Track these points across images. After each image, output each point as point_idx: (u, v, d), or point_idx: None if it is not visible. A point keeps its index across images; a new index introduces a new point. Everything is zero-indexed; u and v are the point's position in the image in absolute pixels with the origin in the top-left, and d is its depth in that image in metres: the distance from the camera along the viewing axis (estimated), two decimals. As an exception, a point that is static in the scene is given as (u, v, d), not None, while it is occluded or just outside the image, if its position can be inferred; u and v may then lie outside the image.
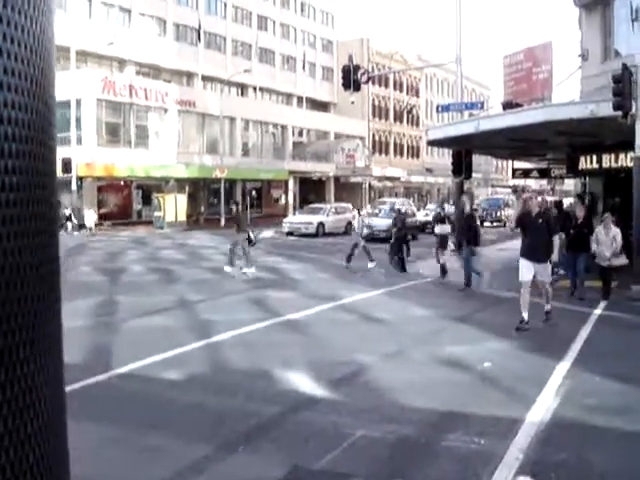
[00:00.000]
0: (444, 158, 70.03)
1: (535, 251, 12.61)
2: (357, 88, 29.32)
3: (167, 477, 5.86)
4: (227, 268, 21.12)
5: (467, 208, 19.32)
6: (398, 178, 76.91)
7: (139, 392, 8.44)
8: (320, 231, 39.99)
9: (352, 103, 60.43)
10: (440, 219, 21.34)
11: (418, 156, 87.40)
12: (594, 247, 15.78)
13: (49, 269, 1.03)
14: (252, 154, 58.99)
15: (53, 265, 1.05)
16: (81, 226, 40.08)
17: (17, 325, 0.92)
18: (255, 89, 63.76)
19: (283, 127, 63.35)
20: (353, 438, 6.78)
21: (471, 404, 7.98)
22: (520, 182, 70.73)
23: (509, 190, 77.08)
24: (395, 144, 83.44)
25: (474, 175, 30.76)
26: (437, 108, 38.49)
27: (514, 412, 7.64)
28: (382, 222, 34.28)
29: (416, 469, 6.19)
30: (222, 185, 50.25)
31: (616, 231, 15.82)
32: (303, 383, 8.81)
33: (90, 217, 41.38)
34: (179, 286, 18.36)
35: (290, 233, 39.75)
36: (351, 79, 28.38)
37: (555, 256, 12.95)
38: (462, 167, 25.65)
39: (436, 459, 6.44)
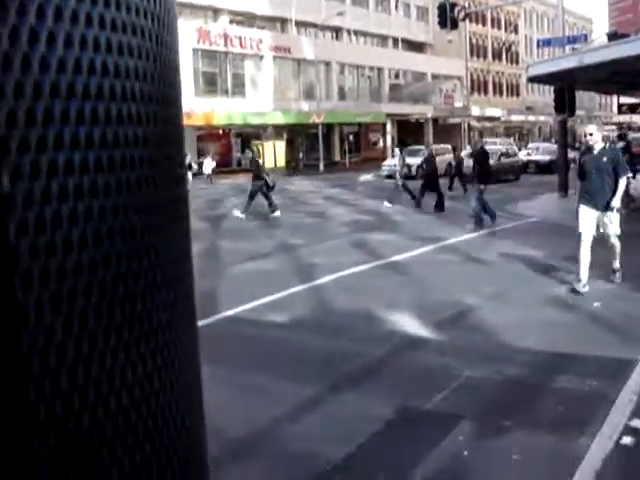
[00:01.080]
0: (545, 96, 68.21)
1: (597, 196, 10.41)
2: (454, 26, 28.71)
3: (275, 416, 5.96)
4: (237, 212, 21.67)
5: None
6: (498, 118, 75.23)
7: (246, 334, 8.59)
8: (419, 173, 39.57)
9: (449, 42, 59.02)
10: None
11: (518, 94, 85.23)
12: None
13: (180, 212, 1.00)
14: (349, 98, 58.63)
15: (184, 207, 1.02)
16: (195, 174, 40.26)
17: (154, 272, 0.90)
18: (349, 32, 63.02)
19: (379, 70, 62.64)
20: (460, 379, 6.73)
21: (580, 345, 7.80)
22: (626, 118, 68.27)
23: (614, 127, 74.57)
24: (494, 83, 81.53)
25: (577, 112, 29.78)
26: (537, 43, 37.40)
27: (626, 354, 7.42)
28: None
29: (525, 411, 6.11)
30: (320, 130, 50.22)
31: None
32: (408, 324, 8.80)
33: (208, 165, 41.47)
34: (280, 231, 18.52)
35: (389, 176, 39.48)
36: (447, 17, 27.77)
37: (617, 201, 10.37)
38: (565, 104, 24.87)
39: (545, 401, 6.34)
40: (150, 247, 0.87)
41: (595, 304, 9.56)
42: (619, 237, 10.57)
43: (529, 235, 16.81)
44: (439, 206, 22.02)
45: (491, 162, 22.31)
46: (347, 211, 23.35)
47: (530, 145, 53.34)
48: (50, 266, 0.71)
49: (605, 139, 12.05)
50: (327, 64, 55.77)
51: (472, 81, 76.40)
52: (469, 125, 71.16)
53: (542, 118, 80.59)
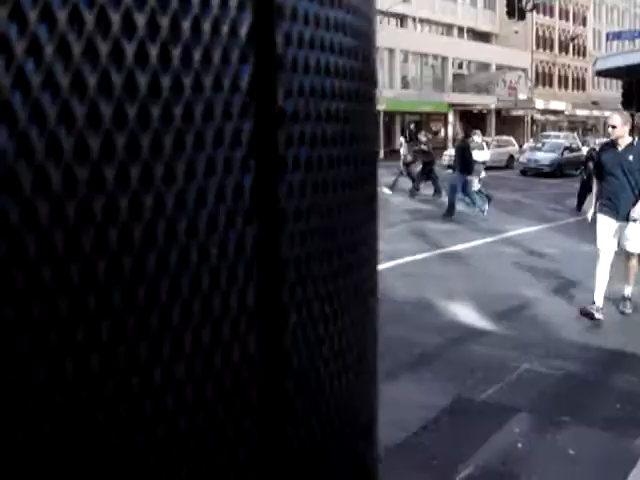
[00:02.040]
0: (612, 90, 66.92)
1: (618, 203, 8.61)
2: (521, 16, 28.36)
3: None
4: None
5: None
6: (562, 111, 74.09)
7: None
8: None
9: (516, 33, 58.47)
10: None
11: (584, 88, 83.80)
12: None
13: (373, 189, 1.04)
14: (411, 87, 58.30)
15: (375, 185, 1.06)
16: None
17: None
18: (414, 20, 62.53)
19: (443, 59, 62.14)
20: (518, 372, 6.71)
21: (640, 343, 7.72)
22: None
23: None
24: (559, 76, 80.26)
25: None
26: (607, 36, 36.77)
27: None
28: (546, 156, 33.38)
29: (582, 407, 6.07)
30: (381, 118, 50.04)
31: None
32: (466, 315, 8.78)
33: None
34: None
35: (449, 166, 39.29)
36: (515, 7, 27.44)
37: (638, 212, 8.42)
38: (633, 99, 24.44)
39: (603, 398, 6.29)
40: (355, 222, 0.92)
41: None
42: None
43: (591, 230, 16.55)
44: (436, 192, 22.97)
45: (554, 155, 22.06)
46: (406, 199, 23.28)
47: (596, 141, 52.47)
48: (308, 227, 0.78)
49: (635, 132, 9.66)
50: (391, 51, 55.50)
51: (537, 73, 75.33)
52: (532, 118, 70.26)
53: (607, 113, 79.15)
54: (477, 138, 22.70)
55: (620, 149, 8.54)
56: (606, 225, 8.76)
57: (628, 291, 8.97)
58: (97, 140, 0.56)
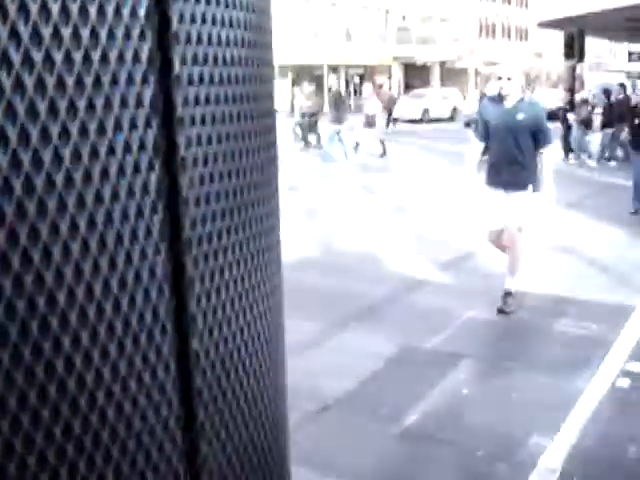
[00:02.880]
0: (554, 41, 67.32)
1: (503, 170, 6.94)
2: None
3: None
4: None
5: None
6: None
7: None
8: (425, 117, 39.56)
9: (459, -16, 58.11)
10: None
11: (526, 40, 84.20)
12: None
13: (269, 154, 1.10)
14: (354, 39, 57.93)
15: (272, 150, 1.13)
16: None
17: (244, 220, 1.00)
18: (357, -28, 62.09)
19: (386, 11, 61.76)
20: (462, 320, 6.86)
21: (583, 290, 7.91)
22: (636, 67, 67.49)
23: (623, 75, 73.82)
24: (502, 27, 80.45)
25: (586, 59, 29.48)
26: (549, -13, 36.78)
27: (626, 299, 7.54)
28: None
29: (525, 352, 6.24)
30: (325, 71, 49.71)
31: None
32: (412, 265, 8.90)
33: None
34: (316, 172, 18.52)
35: (394, 119, 39.35)
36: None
37: (542, 182, 6.97)
38: (574, 50, 24.63)
39: (547, 343, 6.47)
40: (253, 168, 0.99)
41: (598, 251, 9.65)
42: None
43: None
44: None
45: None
46: (352, 153, 23.24)
47: (537, 90, 52.87)
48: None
49: (526, 87, 7.62)
50: (333, 4, 54.99)
51: (480, 25, 75.39)
52: (476, 70, 70.46)
53: (550, 64, 79.74)
54: (365, 90, 22.97)
55: (508, 106, 6.87)
56: (493, 197, 7.12)
57: (510, 284, 7.22)
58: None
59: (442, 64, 65.52)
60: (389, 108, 30.85)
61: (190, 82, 0.82)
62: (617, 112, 18.60)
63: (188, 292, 0.85)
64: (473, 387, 5.48)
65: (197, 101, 0.83)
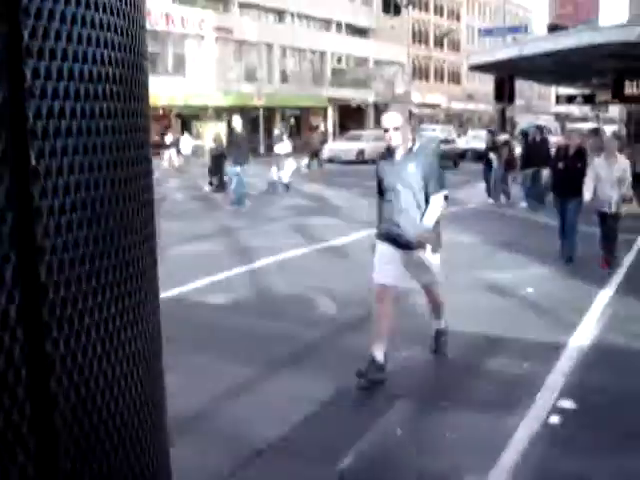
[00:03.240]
0: (485, 84, 68.86)
1: (401, 228, 6.40)
2: (397, 12, 28.88)
3: (216, 395, 6.02)
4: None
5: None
6: (438, 105, 75.92)
7: (185, 315, 8.59)
8: (360, 158, 40.00)
9: (392, 28, 59.32)
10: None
11: (459, 82, 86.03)
12: (589, 187, 11.08)
13: (145, 197, 1.09)
14: (291, 82, 58.46)
15: (149, 192, 1.12)
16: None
17: (117, 254, 0.99)
18: (292, 15, 62.73)
19: (322, 54, 62.55)
20: (397, 360, 6.87)
21: (514, 329, 8.02)
22: (564, 108, 69.33)
23: (552, 117, 75.81)
24: (435, 70, 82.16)
25: (516, 101, 30.23)
26: (479, 32, 37.82)
27: (557, 337, 7.67)
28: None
29: (459, 392, 6.28)
30: (261, 113, 50.03)
31: (624, 164, 11.28)
32: (346, 307, 8.91)
33: (187, 143, 39.85)
34: (220, 213, 18.48)
35: (330, 160, 39.69)
36: (391, 3, 27.91)
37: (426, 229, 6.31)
38: (504, 93, 25.28)
39: (479, 382, 6.52)
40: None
41: (529, 290, 9.80)
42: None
43: (467, 221, 17.08)
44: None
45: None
46: (287, 194, 23.36)
47: (469, 133, 53.90)
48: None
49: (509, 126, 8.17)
50: (269, 46, 55.52)
51: (414, 67, 76.88)
52: (410, 111, 71.54)
53: (482, 106, 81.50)
54: (277, 131, 23.33)
55: (398, 158, 6.47)
56: (384, 254, 6.54)
57: (439, 325, 7.20)
58: None
59: (377, 106, 66.48)
60: (317, 149, 31.32)
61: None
62: (534, 154, 19.08)
63: (41, 299, 0.84)
64: (407, 427, 5.47)
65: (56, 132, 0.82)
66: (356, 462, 4.92)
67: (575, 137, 12.62)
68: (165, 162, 35.22)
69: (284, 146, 22.98)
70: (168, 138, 36.78)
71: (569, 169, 11.75)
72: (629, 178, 11.24)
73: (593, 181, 11.11)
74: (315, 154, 30.76)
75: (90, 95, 0.87)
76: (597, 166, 11.27)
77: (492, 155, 20.96)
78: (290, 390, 6.25)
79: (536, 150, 19.11)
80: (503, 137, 22.34)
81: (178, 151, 37.06)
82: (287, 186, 22.50)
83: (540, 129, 21.05)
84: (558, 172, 12.19)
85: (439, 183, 6.36)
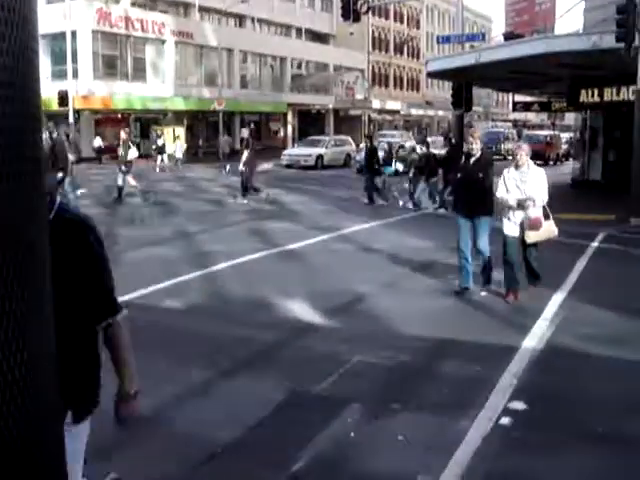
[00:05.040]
0: (444, 91, 69.43)
1: None
2: (356, 19, 28.90)
3: (169, 399, 6.01)
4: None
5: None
6: (398, 111, 76.29)
7: (140, 320, 8.49)
8: (319, 163, 40.06)
9: (351, 34, 59.48)
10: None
11: (418, 89, 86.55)
12: (501, 197, 9.42)
13: (37, 209, 1.09)
14: (251, 86, 58.37)
15: (41, 204, 1.12)
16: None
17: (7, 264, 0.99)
18: (253, 20, 62.64)
19: (282, 59, 62.56)
20: (350, 364, 6.91)
21: (467, 332, 8.10)
22: (521, 115, 70.13)
23: (509, 124, 76.63)
24: (395, 77, 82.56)
25: (474, 108, 30.53)
26: (437, 39, 38.11)
27: (509, 340, 7.77)
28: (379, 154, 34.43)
29: (412, 394, 6.32)
30: (220, 118, 49.87)
31: (538, 173, 9.40)
32: (301, 311, 8.93)
33: (180, 148, 39.69)
34: (178, 218, 18.40)
35: (289, 165, 39.74)
36: (350, 9, 27.97)
37: None
38: (462, 100, 25.51)
39: (432, 385, 6.58)
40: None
41: (482, 293, 9.90)
42: None
43: (419, 227, 17.21)
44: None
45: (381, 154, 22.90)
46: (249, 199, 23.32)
47: (428, 139, 54.13)
48: None
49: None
50: (230, 51, 55.37)
51: (374, 74, 77.19)
52: (369, 117, 71.91)
53: (441, 113, 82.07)
54: (123, 135, 23.35)
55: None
56: None
57: None
58: None
59: (336, 111, 66.65)
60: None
61: None
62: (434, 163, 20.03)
63: None
64: (360, 430, 5.50)
65: None
66: (309, 464, 4.93)
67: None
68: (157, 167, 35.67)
69: (132, 152, 22.91)
70: (159, 142, 37.36)
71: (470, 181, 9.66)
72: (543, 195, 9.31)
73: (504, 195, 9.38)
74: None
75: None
76: (506, 177, 9.40)
77: (399, 164, 21.96)
78: (244, 392, 6.26)
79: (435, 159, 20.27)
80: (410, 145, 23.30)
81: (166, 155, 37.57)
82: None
83: (447, 139, 22.23)
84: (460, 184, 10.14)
85: None
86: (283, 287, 10.16)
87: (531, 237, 9.50)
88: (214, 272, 11.25)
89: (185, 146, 41.48)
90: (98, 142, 41.74)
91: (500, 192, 9.41)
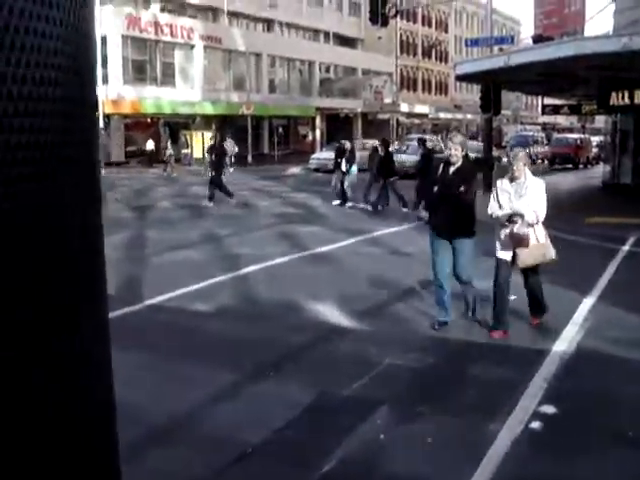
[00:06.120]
0: (473, 94, 69.20)
1: None
2: (385, 23, 28.92)
3: (199, 402, 6.05)
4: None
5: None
6: (426, 115, 76.10)
7: (170, 322, 8.62)
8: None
9: (379, 39, 59.45)
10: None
11: (446, 93, 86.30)
12: (492, 213, 8.12)
13: (95, 194, 1.11)
14: (279, 91, 58.52)
15: (98, 189, 1.13)
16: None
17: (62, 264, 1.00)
18: (281, 24, 62.82)
19: (310, 63, 62.64)
20: (381, 367, 6.92)
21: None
22: (550, 119, 69.69)
23: (538, 127, 76.16)
24: (423, 80, 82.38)
25: (503, 112, 30.37)
26: (466, 42, 37.98)
27: (539, 344, 7.74)
28: (409, 158, 34.34)
29: (442, 397, 6.33)
30: (249, 122, 50.04)
31: (537, 186, 8.01)
32: (330, 314, 8.95)
33: (231, 148, 38.83)
34: (208, 222, 18.50)
35: (317, 169, 39.74)
36: (379, 13, 27.98)
37: None
38: (491, 103, 25.36)
39: (462, 388, 6.58)
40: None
41: (512, 297, 9.84)
42: None
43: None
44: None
45: (418, 157, 22.87)
46: (274, 203, 23.41)
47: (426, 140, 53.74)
48: None
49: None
50: (258, 56, 55.55)
51: (402, 78, 77.07)
52: (398, 121, 71.83)
53: (469, 116, 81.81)
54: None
55: None
56: None
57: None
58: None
59: (364, 115, 66.63)
60: None
61: None
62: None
63: None
64: (390, 432, 5.51)
65: None
66: (338, 466, 4.95)
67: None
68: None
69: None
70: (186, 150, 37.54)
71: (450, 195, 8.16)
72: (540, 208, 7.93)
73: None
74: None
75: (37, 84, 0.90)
76: (499, 190, 8.11)
77: None
78: (273, 395, 6.28)
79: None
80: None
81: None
82: None
83: (422, 142, 22.32)
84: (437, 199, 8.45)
85: None
86: (312, 290, 10.18)
87: (523, 258, 7.97)
88: (243, 275, 11.30)
89: (236, 148, 40.91)
90: (151, 145, 42.06)
91: (491, 208, 8.09)
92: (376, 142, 24.69)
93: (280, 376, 6.76)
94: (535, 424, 5.65)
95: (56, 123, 0.94)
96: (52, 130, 0.94)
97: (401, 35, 76.18)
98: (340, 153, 23.67)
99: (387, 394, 6.30)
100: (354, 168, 23.21)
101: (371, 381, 6.56)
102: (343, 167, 22.90)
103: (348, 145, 24.19)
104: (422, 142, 23.14)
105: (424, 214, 8.73)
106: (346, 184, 22.56)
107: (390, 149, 23.39)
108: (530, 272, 8.30)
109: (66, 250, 1.00)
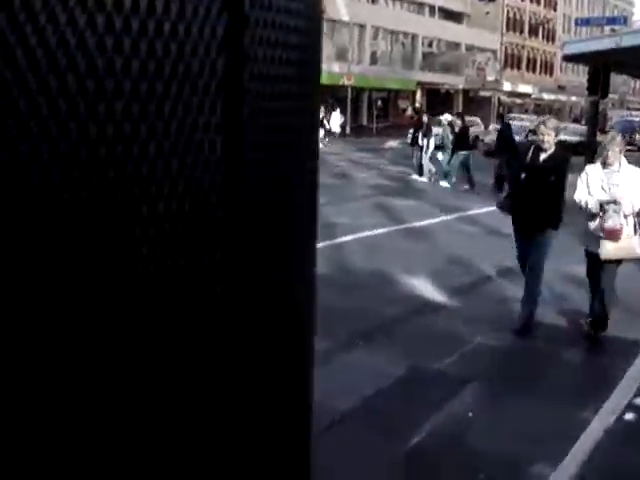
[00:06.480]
0: (579, 76, 67.41)
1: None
2: (493, -2, 28.38)
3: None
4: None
5: None
6: (529, 95, 74.57)
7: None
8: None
9: (487, 14, 58.43)
10: None
11: (551, 73, 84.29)
12: (580, 200, 7.27)
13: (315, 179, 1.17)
14: (380, 63, 58.17)
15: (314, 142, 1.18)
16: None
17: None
18: (387, -4, 62.41)
19: (413, 37, 62.00)
20: (472, 344, 6.88)
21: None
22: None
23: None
24: (528, 59, 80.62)
25: (610, 95, 29.52)
26: (576, 21, 37.04)
27: (637, 335, 7.54)
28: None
29: (534, 379, 6.26)
30: (349, 93, 49.96)
31: (634, 175, 7.14)
32: (425, 288, 8.93)
33: (336, 120, 39.34)
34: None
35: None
36: (488, -12, 27.46)
37: None
38: (598, 86, 24.68)
39: (556, 372, 6.49)
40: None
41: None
42: None
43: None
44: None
45: (518, 138, 22.42)
46: (371, 175, 23.38)
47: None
48: None
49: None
50: (361, 27, 55.29)
51: (506, 55, 75.58)
52: (499, 99, 70.59)
53: (573, 98, 79.79)
54: (425, 119, 23.53)
55: None
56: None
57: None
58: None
59: (465, 92, 65.70)
60: None
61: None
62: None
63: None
64: (479, 411, 5.49)
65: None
66: (426, 440, 4.96)
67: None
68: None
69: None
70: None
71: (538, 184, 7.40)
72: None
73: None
74: None
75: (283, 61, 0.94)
76: (590, 176, 7.37)
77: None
78: (363, 364, 6.32)
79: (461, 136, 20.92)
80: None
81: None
82: None
83: (461, 117, 22.79)
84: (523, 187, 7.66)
85: None
86: (407, 263, 10.16)
87: (607, 250, 7.08)
88: (338, 244, 11.36)
89: (342, 118, 41.13)
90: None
91: (580, 194, 7.28)
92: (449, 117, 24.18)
93: (372, 346, 6.79)
94: (629, 416, 5.53)
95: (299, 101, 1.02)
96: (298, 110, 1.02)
97: (508, 12, 74.58)
98: (417, 128, 23.35)
99: (478, 372, 6.26)
100: (432, 142, 22.94)
101: (462, 358, 6.54)
102: (420, 141, 22.73)
103: (425, 118, 23.93)
104: (501, 118, 22.77)
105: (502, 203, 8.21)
106: (425, 159, 22.49)
107: (466, 124, 23.07)
108: (610, 267, 7.23)
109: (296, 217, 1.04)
